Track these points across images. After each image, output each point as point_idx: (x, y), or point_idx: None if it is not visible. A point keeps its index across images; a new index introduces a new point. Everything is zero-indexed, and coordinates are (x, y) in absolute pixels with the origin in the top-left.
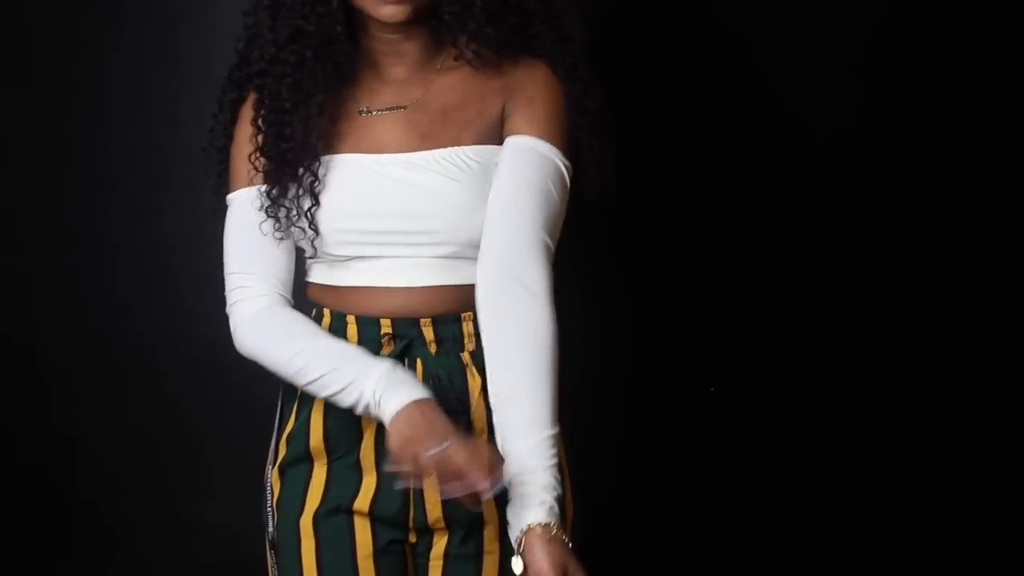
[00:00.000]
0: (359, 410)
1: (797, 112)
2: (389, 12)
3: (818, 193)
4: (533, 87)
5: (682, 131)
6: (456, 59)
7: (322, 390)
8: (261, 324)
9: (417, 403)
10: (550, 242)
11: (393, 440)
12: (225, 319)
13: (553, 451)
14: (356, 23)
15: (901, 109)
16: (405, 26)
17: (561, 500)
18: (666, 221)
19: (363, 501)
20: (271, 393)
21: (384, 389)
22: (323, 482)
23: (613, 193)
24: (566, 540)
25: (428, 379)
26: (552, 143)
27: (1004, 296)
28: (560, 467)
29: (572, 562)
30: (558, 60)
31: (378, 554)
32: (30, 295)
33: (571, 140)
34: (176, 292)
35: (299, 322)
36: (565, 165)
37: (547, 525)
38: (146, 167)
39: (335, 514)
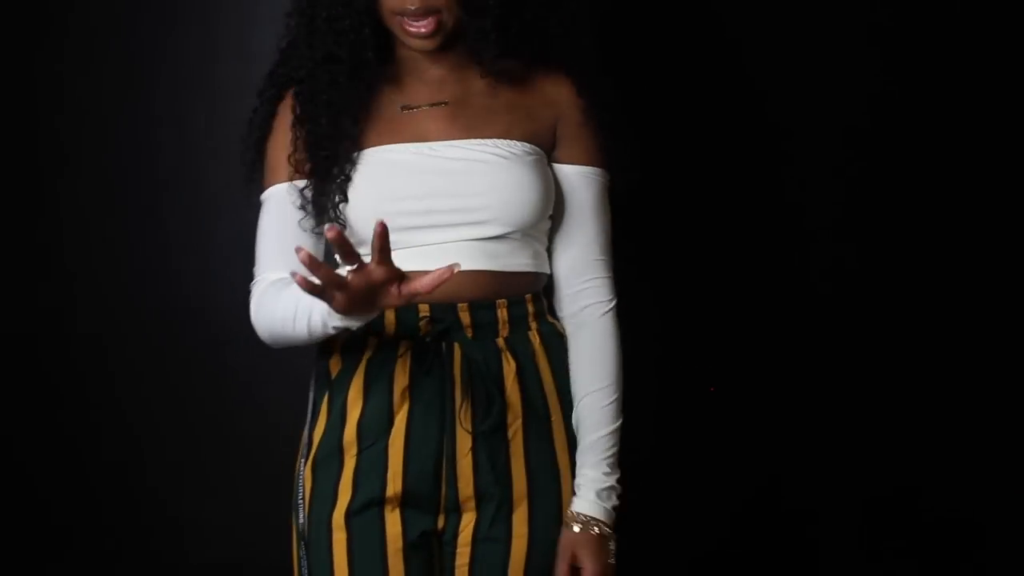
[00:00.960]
0: (318, 327)
1: (799, 110)
2: (419, 44)
3: (817, 194)
4: (575, 111)
5: (679, 130)
6: (484, 75)
7: (298, 329)
8: (258, 299)
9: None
10: (609, 259)
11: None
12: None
13: (612, 449)
14: (392, 36)
15: (904, 109)
16: (436, 51)
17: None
18: (666, 221)
19: (394, 486)
20: (271, 393)
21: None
22: (352, 475)
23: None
24: (611, 548)
25: (465, 363)
26: (598, 165)
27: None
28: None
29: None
30: (582, 77)
31: (408, 548)
32: (30, 295)
33: (603, 149)
34: (176, 292)
35: (284, 283)
36: (607, 178)
37: (596, 523)
38: (146, 167)
39: (366, 509)
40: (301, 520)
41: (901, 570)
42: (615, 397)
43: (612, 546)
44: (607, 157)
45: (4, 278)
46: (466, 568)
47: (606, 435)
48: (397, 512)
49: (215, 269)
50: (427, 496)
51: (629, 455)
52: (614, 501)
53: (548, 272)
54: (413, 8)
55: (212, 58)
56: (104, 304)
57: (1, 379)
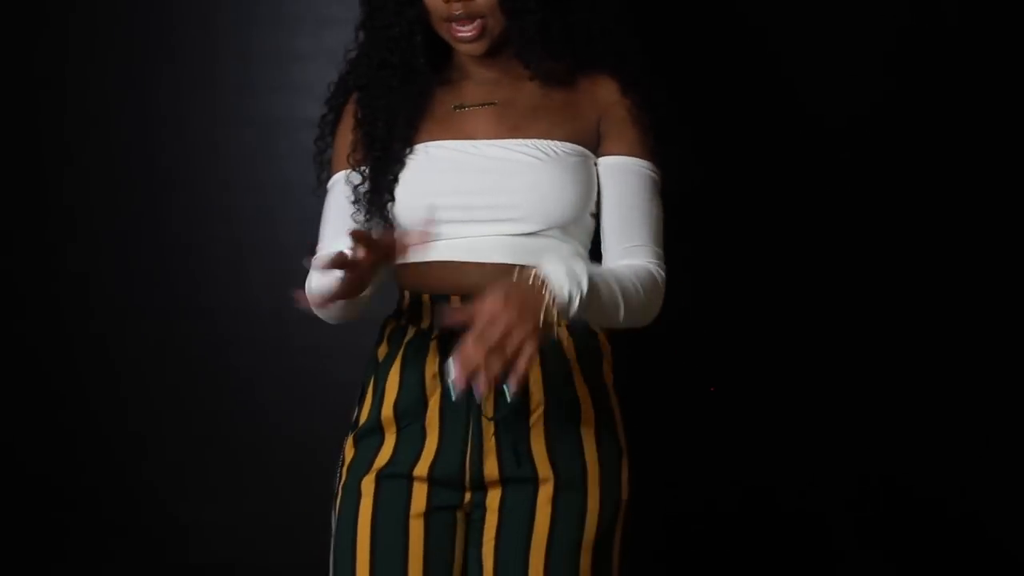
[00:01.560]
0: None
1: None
2: (468, 48)
3: (817, 194)
4: (619, 107)
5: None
6: (532, 78)
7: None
8: (311, 276)
9: None
10: (659, 248)
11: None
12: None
13: (584, 282)
14: (444, 41)
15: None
16: (485, 55)
17: (574, 293)
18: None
19: (424, 465)
20: (271, 394)
21: None
22: (392, 448)
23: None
24: (549, 302)
25: None
26: (645, 158)
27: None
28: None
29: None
30: (626, 76)
31: (429, 513)
32: (30, 295)
33: (654, 145)
34: (176, 292)
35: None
36: (657, 172)
37: (538, 276)
38: (146, 167)
39: (396, 477)
40: (337, 487)
41: (902, 569)
42: (624, 297)
43: (547, 314)
44: (653, 153)
45: (4, 278)
46: (493, 537)
47: (606, 272)
48: (425, 486)
49: (216, 269)
50: (455, 476)
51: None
52: (572, 289)
53: None
54: (458, 14)
55: (212, 58)
56: (104, 304)
57: (2, 379)
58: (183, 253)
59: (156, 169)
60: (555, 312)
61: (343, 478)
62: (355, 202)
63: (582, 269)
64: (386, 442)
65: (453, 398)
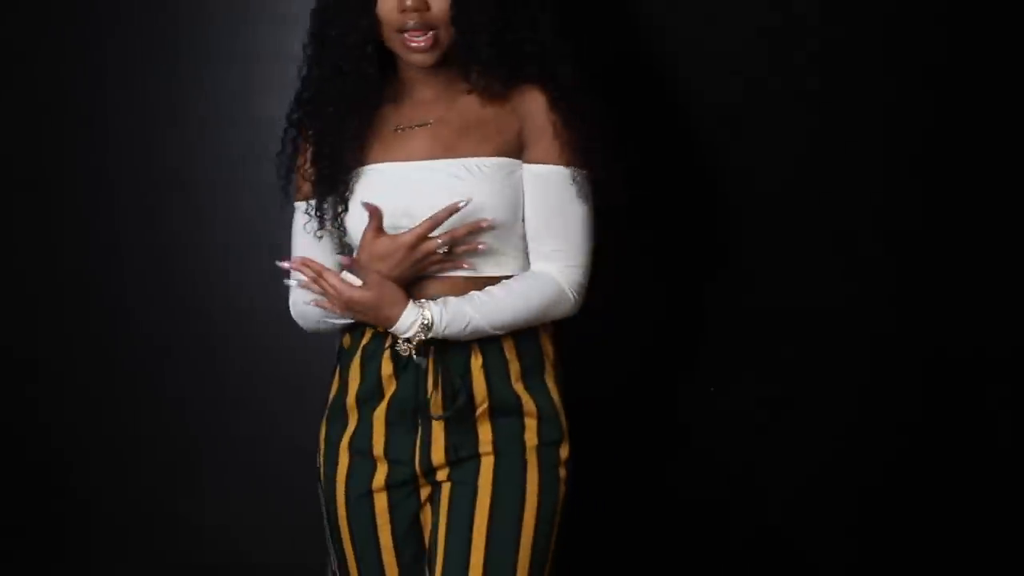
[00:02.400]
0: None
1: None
2: (418, 59)
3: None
4: (539, 116)
5: (675, 133)
6: (469, 92)
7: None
8: (295, 295)
9: None
10: (574, 251)
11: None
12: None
13: (463, 325)
14: (392, 58)
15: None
16: (432, 67)
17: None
18: (664, 221)
19: (379, 448)
20: (270, 394)
21: None
22: (353, 430)
23: (620, 197)
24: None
25: (438, 358)
26: (563, 164)
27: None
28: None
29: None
30: (555, 90)
31: (390, 488)
32: (30, 295)
33: (580, 154)
34: (176, 292)
35: None
36: (580, 177)
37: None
38: (146, 167)
39: (360, 454)
40: (319, 460)
41: (902, 569)
42: (499, 309)
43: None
44: (577, 160)
45: (4, 278)
46: (446, 505)
47: (462, 310)
48: (385, 464)
49: (214, 269)
50: (407, 462)
51: (629, 455)
52: (430, 319)
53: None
54: (412, 23)
55: (212, 58)
56: (103, 304)
57: (1, 379)
58: (183, 253)
59: (155, 169)
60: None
61: (322, 451)
62: (307, 212)
63: (438, 315)
64: (349, 424)
65: (416, 359)
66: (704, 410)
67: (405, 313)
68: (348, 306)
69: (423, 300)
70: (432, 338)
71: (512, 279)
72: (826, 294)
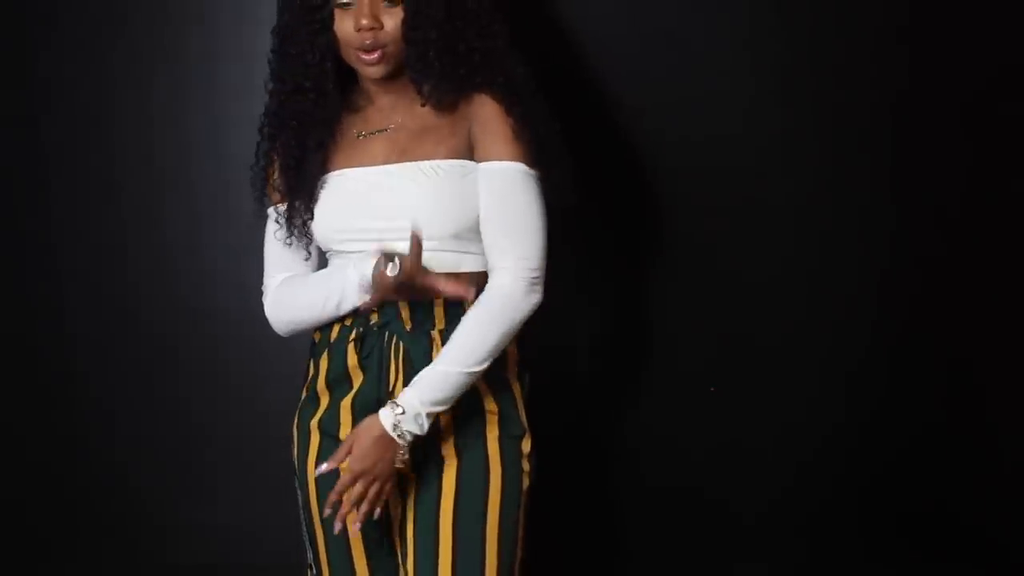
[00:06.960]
0: (347, 305)
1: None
2: (371, 71)
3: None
4: (488, 119)
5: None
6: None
7: (323, 311)
8: (273, 297)
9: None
10: (523, 247)
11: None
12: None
13: (446, 385)
14: (351, 70)
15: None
16: (385, 78)
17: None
18: (664, 223)
19: (344, 434)
20: (270, 393)
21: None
22: (319, 418)
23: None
24: (400, 455)
25: (402, 351)
26: (512, 159)
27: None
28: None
29: None
30: (503, 94)
31: None
32: (30, 295)
33: (531, 152)
34: (176, 292)
35: (295, 279)
36: (530, 172)
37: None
38: (146, 167)
39: (328, 436)
40: (293, 451)
41: (902, 569)
42: (470, 350)
43: (402, 454)
44: (524, 155)
45: (4, 278)
46: (412, 499)
47: (441, 372)
48: None
49: (214, 269)
50: None
51: (630, 454)
52: (423, 427)
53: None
54: (368, 44)
55: (212, 58)
56: (102, 304)
57: (1, 378)
58: (182, 254)
59: (155, 169)
60: (406, 448)
61: (296, 435)
62: (276, 220)
63: (425, 391)
64: (321, 405)
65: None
66: (704, 410)
67: (383, 420)
68: None
69: (392, 402)
70: (434, 412)
71: (465, 316)
72: (826, 294)
